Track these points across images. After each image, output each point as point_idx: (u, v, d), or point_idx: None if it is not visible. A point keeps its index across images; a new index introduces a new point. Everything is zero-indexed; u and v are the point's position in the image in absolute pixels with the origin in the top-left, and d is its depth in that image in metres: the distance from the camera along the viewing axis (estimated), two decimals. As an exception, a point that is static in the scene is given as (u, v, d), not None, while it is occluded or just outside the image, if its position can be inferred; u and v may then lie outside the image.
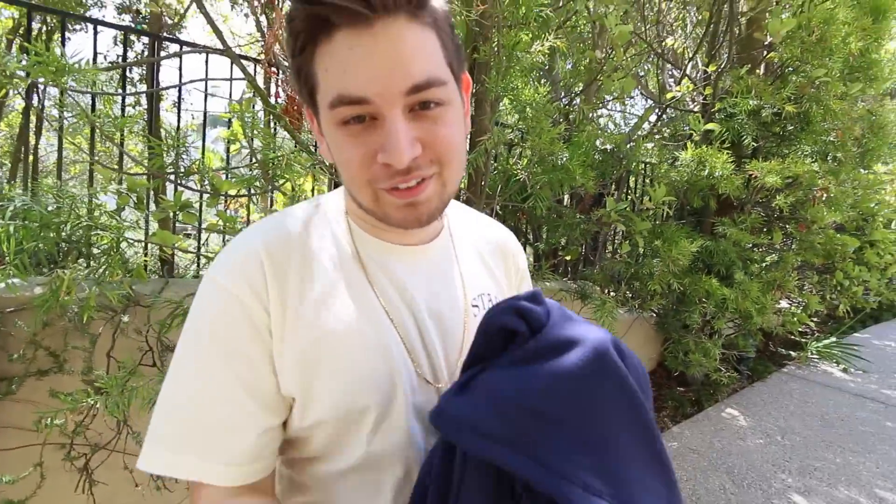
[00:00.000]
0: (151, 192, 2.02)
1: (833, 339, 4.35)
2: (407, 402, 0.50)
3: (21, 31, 2.45)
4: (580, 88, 3.05)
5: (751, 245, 3.18)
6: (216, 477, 0.46)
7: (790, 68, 3.02)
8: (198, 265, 1.90)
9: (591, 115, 3.31)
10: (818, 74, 2.74)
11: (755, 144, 2.90)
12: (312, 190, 2.32)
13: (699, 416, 2.96)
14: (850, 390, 3.51)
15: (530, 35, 1.75)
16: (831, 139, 3.25)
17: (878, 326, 5.81)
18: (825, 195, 3.39)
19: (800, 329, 3.95)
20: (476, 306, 0.57)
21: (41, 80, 0.98)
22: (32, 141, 1.88)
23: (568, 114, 2.96)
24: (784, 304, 4.13)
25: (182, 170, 1.68)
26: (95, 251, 1.47)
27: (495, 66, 1.75)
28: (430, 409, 0.46)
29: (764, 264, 3.33)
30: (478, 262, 0.62)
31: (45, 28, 2.65)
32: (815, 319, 4.95)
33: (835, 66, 2.79)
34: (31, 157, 1.99)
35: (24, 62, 0.96)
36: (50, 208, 1.13)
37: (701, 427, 2.81)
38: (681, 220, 3.15)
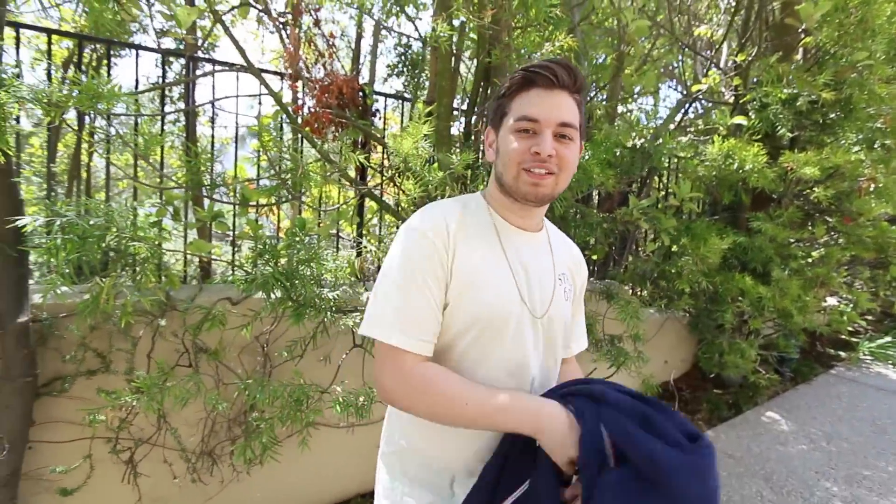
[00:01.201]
0: (189, 204, 2.15)
1: (888, 338, 4.06)
2: (519, 320, 0.80)
3: (74, 60, 2.67)
4: (604, 85, 3.00)
5: (791, 241, 3.02)
6: (413, 346, 0.74)
7: (827, 53, 2.86)
8: (232, 271, 2.01)
9: (617, 111, 3.25)
10: (860, 58, 2.58)
11: (791, 135, 2.76)
12: (339, 196, 2.41)
13: (736, 419, 2.84)
14: (908, 394, 3.27)
15: (543, 36, 1.75)
16: (878, 125, 3.04)
17: (943, 325, 5.37)
18: (873, 185, 3.18)
19: (849, 329, 3.72)
20: (560, 279, 0.88)
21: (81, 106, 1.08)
22: (85, 159, 2.05)
23: (590, 112, 2.92)
24: (832, 302, 3.90)
25: (215, 182, 1.78)
26: (134, 261, 1.59)
27: (509, 68, 1.76)
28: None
29: (807, 260, 3.15)
30: (566, 256, 0.93)
31: (94, 55, 2.87)
32: (867, 318, 4.63)
33: (878, 48, 2.62)
34: (84, 175, 2.17)
35: (65, 91, 1.06)
36: (93, 222, 1.24)
37: (738, 431, 2.69)
38: (714, 217, 3.03)
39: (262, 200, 1.84)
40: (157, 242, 1.47)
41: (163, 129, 2.09)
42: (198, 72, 2.19)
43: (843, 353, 3.99)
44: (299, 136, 2.09)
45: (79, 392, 1.50)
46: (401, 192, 1.84)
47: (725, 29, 3.85)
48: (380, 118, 2.39)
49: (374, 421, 2.09)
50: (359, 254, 1.65)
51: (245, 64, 1.71)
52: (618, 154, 2.45)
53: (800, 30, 2.93)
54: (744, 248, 2.68)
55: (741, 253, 2.70)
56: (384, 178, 2.26)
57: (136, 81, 1.95)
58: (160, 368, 1.38)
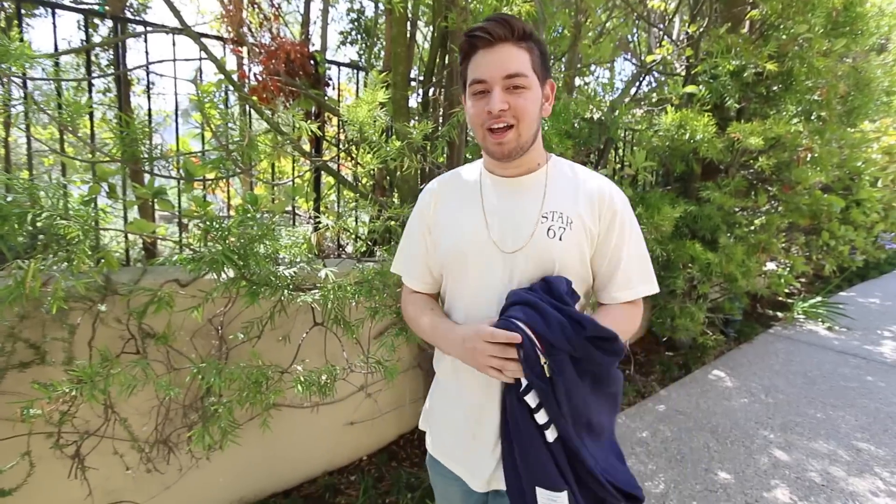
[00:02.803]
0: (127, 180, 1.98)
1: (819, 298, 4.42)
2: (484, 256, 0.89)
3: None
4: (562, 55, 2.98)
5: (736, 209, 3.18)
6: (407, 280, 1.04)
7: (772, 26, 2.96)
8: (179, 250, 1.88)
9: (575, 83, 3.25)
10: (801, 31, 2.69)
11: (738, 106, 2.87)
12: (293, 169, 2.29)
13: (686, 378, 3.03)
14: (834, 348, 3.59)
15: (500, 0, 1.70)
16: (815, 98, 3.21)
17: (863, 284, 5.91)
18: (809, 155, 3.38)
19: (786, 291, 4.01)
20: (545, 217, 0.89)
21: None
22: (2, 134, 1.83)
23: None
24: (771, 266, 4.18)
25: (153, 155, 1.65)
26: (67, 242, 1.45)
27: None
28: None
29: (750, 228, 3.34)
30: (568, 195, 0.91)
31: (3, 15, 2.55)
32: (801, 280, 5.02)
33: (818, 22, 2.73)
34: (1, 151, 1.94)
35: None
36: (12, 198, 1.11)
37: (688, 389, 2.87)
38: (667, 187, 3.14)
39: (209, 175, 1.72)
40: (90, 221, 1.35)
41: (90, 97, 1.90)
42: (128, 32, 1.99)
43: (780, 314, 4.32)
44: (247, 106, 1.96)
45: (11, 387, 1.38)
46: (357, 164, 1.76)
47: (677, 1, 3.91)
48: (333, 88, 2.28)
49: (339, 399, 2.08)
50: (316, 229, 1.58)
51: (181, 26, 1.56)
52: (576, 126, 2.47)
53: (748, 2, 3.01)
54: (694, 216, 2.80)
55: (691, 221, 2.82)
56: (340, 150, 2.18)
57: (55, 44, 1.74)
58: (103, 356, 1.29)
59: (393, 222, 1.66)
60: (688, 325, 2.79)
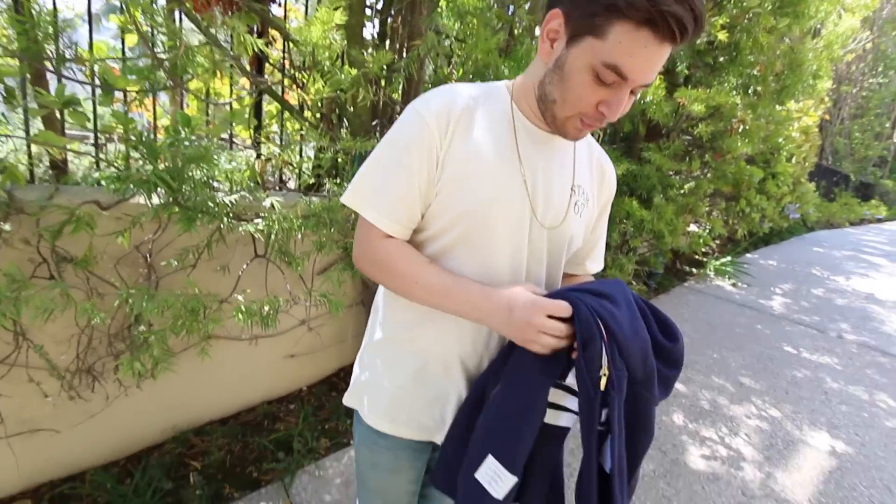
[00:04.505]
0: (28, 84, 1.72)
1: (729, 258, 4.93)
2: (519, 226, 0.74)
3: None
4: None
5: (672, 172, 3.39)
6: (383, 224, 0.73)
7: (728, -4, 3.02)
8: (97, 167, 1.69)
9: (535, 31, 3.17)
10: (752, 4, 2.78)
11: (687, 73, 2.97)
12: (231, 92, 2.09)
13: (609, 324, 3.32)
14: (735, 301, 4.08)
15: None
16: (755, 73, 3.40)
17: (766, 248, 6.65)
18: (742, 126, 3.63)
19: (703, 250, 4.43)
20: (573, 191, 0.79)
21: None
22: None
23: (512, 26, 2.81)
24: (693, 228, 4.56)
25: (63, 55, 1.42)
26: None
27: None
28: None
29: (681, 191, 3.59)
30: (586, 168, 0.83)
31: None
32: (716, 242, 5.55)
33: (768, -1, 2.83)
34: None
35: None
36: None
37: (609, 333, 3.16)
38: (613, 145, 3.25)
39: (132, 88, 1.53)
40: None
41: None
42: None
43: (694, 270, 4.78)
44: (178, 12, 1.72)
45: None
46: (305, 92, 1.65)
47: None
48: (279, 6, 2.06)
49: (281, 332, 2.08)
50: (258, 155, 1.49)
51: None
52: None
53: (708, -36, 3.03)
54: (634, 175, 2.95)
55: (631, 180, 2.98)
56: (285, 76, 2.01)
57: None
58: (10, 278, 1.17)
59: (343, 156, 1.59)
60: (616, 276, 3.02)
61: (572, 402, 0.70)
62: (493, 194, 0.71)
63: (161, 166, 1.17)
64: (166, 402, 1.81)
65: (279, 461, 1.80)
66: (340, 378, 2.31)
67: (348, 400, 0.90)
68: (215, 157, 1.24)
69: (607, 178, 0.88)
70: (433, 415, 0.80)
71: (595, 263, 0.94)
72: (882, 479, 1.97)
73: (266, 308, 1.39)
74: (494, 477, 0.66)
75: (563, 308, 0.64)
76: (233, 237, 1.62)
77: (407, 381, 0.80)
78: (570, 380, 0.68)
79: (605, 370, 0.62)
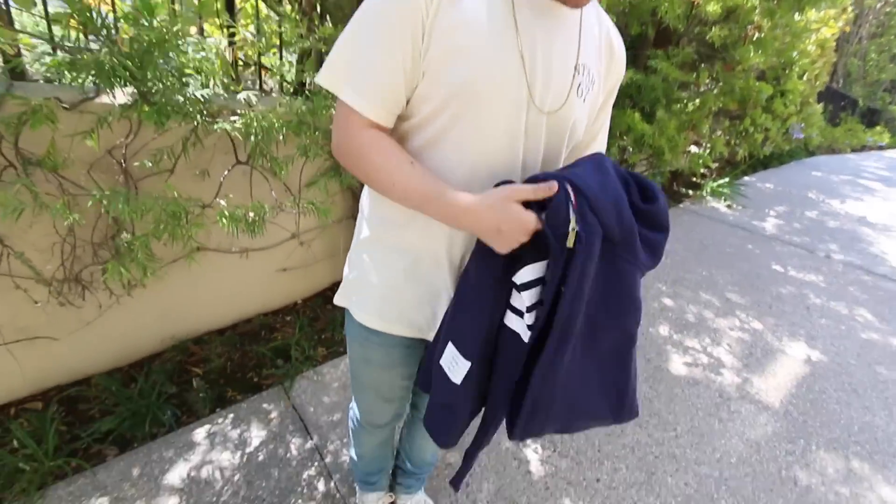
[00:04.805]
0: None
1: (726, 180, 4.86)
2: (516, 110, 0.66)
3: None
4: None
5: (678, 84, 3.20)
6: (363, 108, 0.65)
7: None
8: (53, 52, 1.53)
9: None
10: None
11: (704, -35, 2.69)
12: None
13: (602, 243, 3.33)
14: (728, 221, 4.08)
15: None
16: (778, -31, 3.09)
17: (764, 172, 6.56)
18: (756, 35, 3.38)
19: (701, 171, 4.34)
20: (577, 71, 0.70)
21: None
22: None
23: None
24: (693, 149, 4.44)
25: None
26: None
27: None
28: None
29: (686, 104, 3.42)
30: (593, 45, 0.74)
31: None
32: (716, 165, 5.45)
33: None
34: None
35: None
36: None
37: (602, 252, 3.18)
38: (617, 52, 3.03)
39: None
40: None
41: None
42: None
43: (691, 192, 4.73)
44: None
45: None
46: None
47: None
48: None
49: (272, 245, 2.05)
50: (231, 43, 1.34)
51: None
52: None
53: None
54: (639, 86, 2.78)
55: (635, 91, 2.81)
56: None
57: None
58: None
59: (325, 47, 1.45)
60: (612, 195, 2.97)
61: (528, 304, 0.65)
62: (485, 71, 0.63)
63: (121, 45, 1.04)
64: (162, 313, 1.82)
65: (278, 367, 1.86)
66: (334, 291, 2.32)
67: (339, 299, 0.87)
68: (181, 44, 1.10)
69: (616, 57, 0.79)
70: (424, 312, 0.78)
71: (598, 149, 0.86)
72: (850, 384, 2.09)
73: (251, 214, 1.34)
74: (452, 362, 0.69)
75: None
76: (211, 142, 1.52)
77: (397, 278, 0.77)
78: (526, 274, 0.63)
79: (573, 225, 0.58)
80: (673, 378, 2.01)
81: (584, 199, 0.59)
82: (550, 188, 0.60)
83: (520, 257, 0.63)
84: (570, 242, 0.58)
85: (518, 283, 0.63)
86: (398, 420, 1.06)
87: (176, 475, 1.40)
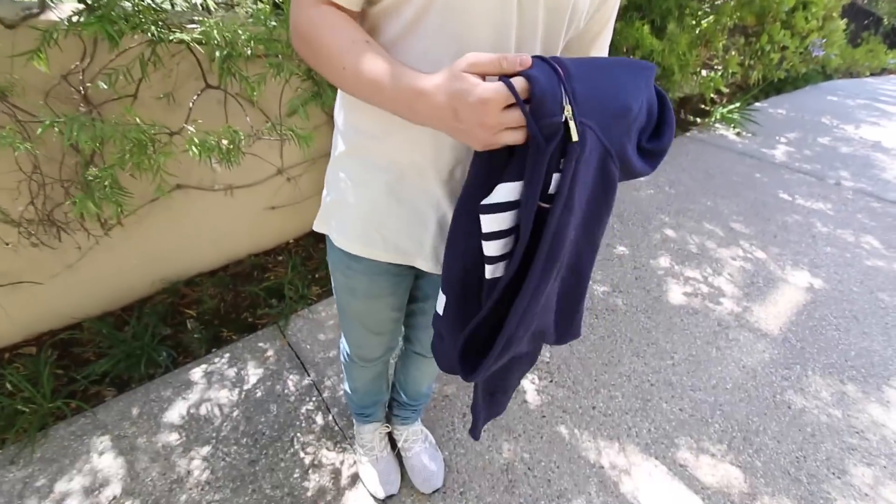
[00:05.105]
0: None
1: (737, 105, 4.61)
2: None
3: None
4: None
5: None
6: None
7: None
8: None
9: None
10: None
11: None
12: None
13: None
14: (736, 149, 3.91)
15: None
16: None
17: (777, 97, 6.23)
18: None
19: (711, 96, 4.09)
20: None
21: None
22: None
23: None
24: (704, 73, 4.15)
25: None
26: None
27: None
28: None
29: (698, 19, 3.14)
30: None
31: None
32: (727, 89, 5.14)
33: None
34: None
35: None
36: None
37: (604, 184, 3.06)
38: (627, -43, 2.72)
39: None
40: None
41: None
42: None
43: (699, 119, 4.50)
44: None
45: None
46: None
47: None
48: None
49: (257, 182, 1.94)
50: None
51: None
52: None
53: None
54: (649, -5, 2.52)
55: (645, 1, 2.55)
56: None
57: None
58: None
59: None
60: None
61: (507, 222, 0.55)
62: None
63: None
64: (149, 255, 1.76)
65: (272, 307, 1.83)
66: (327, 230, 2.25)
67: (318, 225, 0.80)
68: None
69: None
70: (411, 235, 0.71)
71: (600, 54, 0.74)
72: (851, 311, 2.07)
73: (225, 142, 1.22)
74: (440, 298, 0.65)
75: (520, 88, 0.46)
76: (176, 62, 1.37)
77: (379, 198, 0.69)
78: (499, 194, 0.52)
79: (568, 112, 0.46)
80: (672, 308, 1.99)
81: (572, 77, 0.47)
82: (522, 61, 0.46)
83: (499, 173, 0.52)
84: (574, 135, 0.46)
85: (484, 203, 0.52)
86: (390, 353, 1.03)
87: (175, 413, 1.40)
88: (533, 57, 0.48)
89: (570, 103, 0.46)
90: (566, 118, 0.46)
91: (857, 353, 1.83)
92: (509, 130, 0.48)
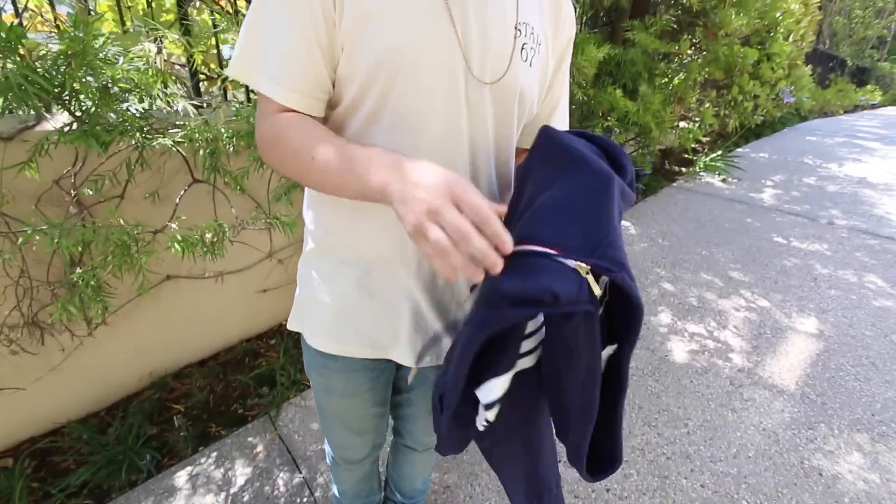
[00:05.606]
0: None
1: (719, 153, 4.74)
2: (452, 81, 0.57)
3: None
4: None
5: (660, 55, 3.08)
6: (277, 94, 0.56)
7: None
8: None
9: None
10: None
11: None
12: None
13: (597, 230, 3.22)
14: (724, 196, 3.97)
15: None
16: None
17: (757, 141, 6.45)
18: (737, -4, 3.26)
19: (693, 146, 4.22)
20: (519, 31, 0.61)
21: None
22: None
23: None
24: (682, 125, 4.32)
25: None
26: None
27: None
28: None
29: (670, 77, 3.31)
30: (535, 2, 0.64)
31: None
32: (707, 139, 5.33)
33: None
34: None
35: None
36: None
37: (597, 239, 3.07)
38: (594, 29, 2.92)
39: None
40: None
41: None
42: None
43: (684, 169, 4.62)
44: None
45: None
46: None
47: None
48: None
49: (247, 267, 1.94)
50: (159, 50, 1.23)
51: None
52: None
53: None
54: (617, 62, 2.67)
55: (615, 68, 2.70)
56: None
57: None
58: None
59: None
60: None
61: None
62: (408, 37, 0.54)
63: (32, 59, 0.93)
64: (137, 350, 1.72)
65: (263, 396, 1.75)
66: (320, 307, 2.22)
67: (291, 323, 0.78)
68: (104, 55, 0.99)
69: (564, 13, 0.68)
70: (385, 328, 0.69)
71: (561, 127, 0.76)
72: (868, 357, 1.99)
73: (209, 235, 1.23)
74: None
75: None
76: (162, 160, 1.42)
77: (350, 292, 0.68)
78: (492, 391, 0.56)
79: (597, 290, 0.44)
80: (679, 368, 1.91)
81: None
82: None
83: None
84: (598, 290, 0.44)
85: (485, 403, 0.57)
86: (376, 452, 0.96)
87: (154, 526, 1.30)
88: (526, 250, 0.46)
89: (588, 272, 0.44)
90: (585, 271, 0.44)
91: (882, 406, 1.72)
92: (437, 231, 0.42)
